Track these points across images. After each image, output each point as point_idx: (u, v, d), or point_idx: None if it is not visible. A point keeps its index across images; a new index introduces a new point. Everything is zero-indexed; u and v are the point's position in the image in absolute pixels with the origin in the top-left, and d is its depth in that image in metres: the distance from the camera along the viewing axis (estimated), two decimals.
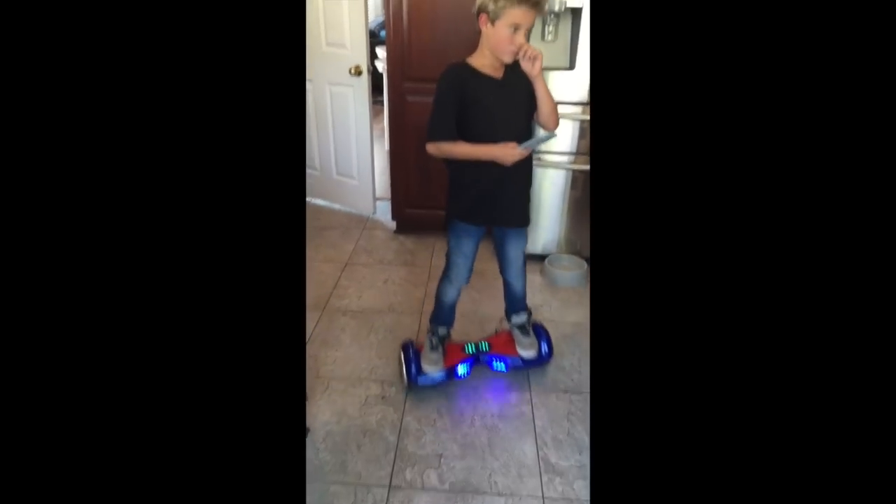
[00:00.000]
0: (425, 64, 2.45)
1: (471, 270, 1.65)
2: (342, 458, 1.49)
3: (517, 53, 1.35)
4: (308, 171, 3.14)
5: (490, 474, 1.46)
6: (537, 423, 1.63)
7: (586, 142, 2.32)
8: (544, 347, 1.79)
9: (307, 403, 1.65)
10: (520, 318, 1.79)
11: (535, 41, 2.14)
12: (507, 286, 1.75)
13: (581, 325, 2.11)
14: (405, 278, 2.44)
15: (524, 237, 1.65)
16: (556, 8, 2.14)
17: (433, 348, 1.72)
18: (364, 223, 2.98)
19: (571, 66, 2.23)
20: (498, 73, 1.42)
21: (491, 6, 1.32)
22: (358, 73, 2.71)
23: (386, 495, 1.39)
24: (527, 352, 1.76)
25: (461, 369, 1.76)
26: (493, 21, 1.33)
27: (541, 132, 1.53)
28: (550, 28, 2.28)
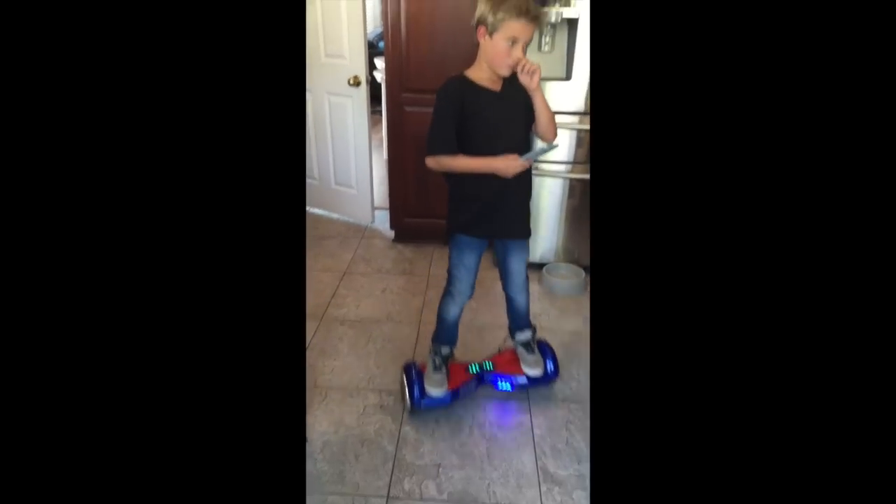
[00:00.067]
0: (423, 75, 2.47)
1: (473, 286, 1.61)
2: (340, 469, 1.48)
3: (514, 67, 1.35)
4: (307, 180, 3.15)
5: (489, 484, 1.45)
6: (536, 432, 1.63)
7: (583, 151, 2.33)
8: (550, 365, 1.74)
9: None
10: (524, 336, 1.74)
11: (531, 52, 2.16)
12: (509, 302, 1.71)
13: (579, 333, 2.11)
14: (403, 287, 2.44)
15: (526, 250, 1.63)
16: (553, 19, 2.16)
17: (436, 369, 1.66)
18: (362, 232, 2.98)
19: (568, 77, 2.25)
20: (496, 86, 1.42)
21: (490, 18, 1.32)
22: (356, 83, 2.73)
23: None
24: (532, 370, 1.71)
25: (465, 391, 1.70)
26: (491, 34, 1.33)
27: (538, 143, 1.54)
28: (547, 39, 2.30)
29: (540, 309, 2.25)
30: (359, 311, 2.25)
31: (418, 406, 1.63)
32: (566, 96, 2.25)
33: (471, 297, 1.63)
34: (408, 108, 2.56)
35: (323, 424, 1.63)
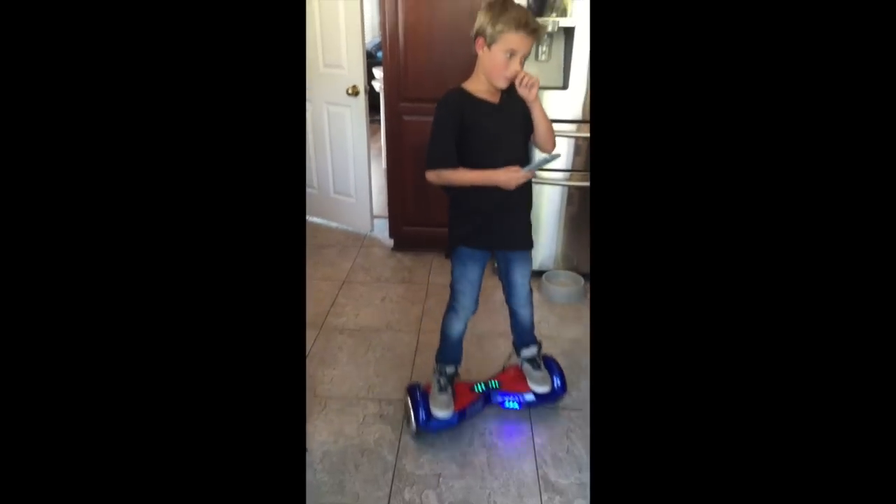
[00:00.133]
0: (421, 84, 2.48)
1: (477, 301, 1.59)
2: (340, 479, 1.47)
3: (512, 79, 1.35)
4: (306, 189, 3.15)
5: (489, 494, 1.44)
6: (536, 441, 1.62)
7: (581, 159, 2.34)
8: (557, 381, 1.69)
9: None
10: (530, 352, 1.71)
11: (529, 61, 2.18)
12: (513, 316, 1.69)
13: (579, 341, 2.10)
14: (403, 296, 2.44)
15: (529, 261, 1.62)
16: (550, 28, 2.18)
17: (442, 390, 1.62)
18: (361, 241, 2.98)
19: (565, 86, 2.26)
20: (494, 98, 1.42)
21: (488, 30, 1.32)
22: (355, 93, 2.74)
23: None
24: (539, 387, 1.67)
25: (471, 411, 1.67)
26: (489, 45, 1.34)
27: (538, 154, 1.55)
28: (544, 48, 2.32)
29: (539, 317, 2.23)
30: (358, 319, 2.24)
31: (424, 428, 1.60)
32: (563, 105, 2.26)
33: (475, 312, 1.60)
34: (406, 118, 2.57)
35: (322, 434, 1.62)
